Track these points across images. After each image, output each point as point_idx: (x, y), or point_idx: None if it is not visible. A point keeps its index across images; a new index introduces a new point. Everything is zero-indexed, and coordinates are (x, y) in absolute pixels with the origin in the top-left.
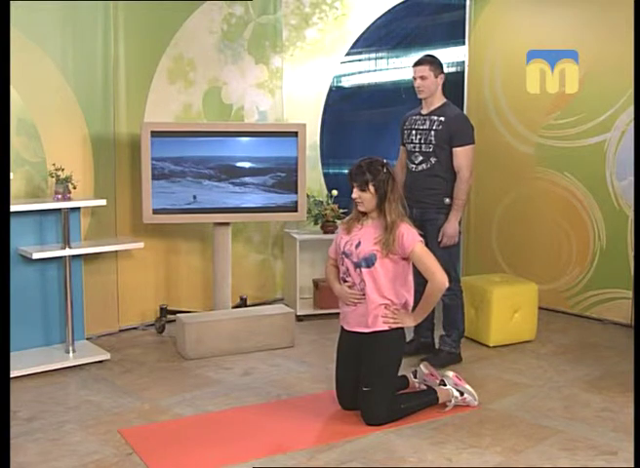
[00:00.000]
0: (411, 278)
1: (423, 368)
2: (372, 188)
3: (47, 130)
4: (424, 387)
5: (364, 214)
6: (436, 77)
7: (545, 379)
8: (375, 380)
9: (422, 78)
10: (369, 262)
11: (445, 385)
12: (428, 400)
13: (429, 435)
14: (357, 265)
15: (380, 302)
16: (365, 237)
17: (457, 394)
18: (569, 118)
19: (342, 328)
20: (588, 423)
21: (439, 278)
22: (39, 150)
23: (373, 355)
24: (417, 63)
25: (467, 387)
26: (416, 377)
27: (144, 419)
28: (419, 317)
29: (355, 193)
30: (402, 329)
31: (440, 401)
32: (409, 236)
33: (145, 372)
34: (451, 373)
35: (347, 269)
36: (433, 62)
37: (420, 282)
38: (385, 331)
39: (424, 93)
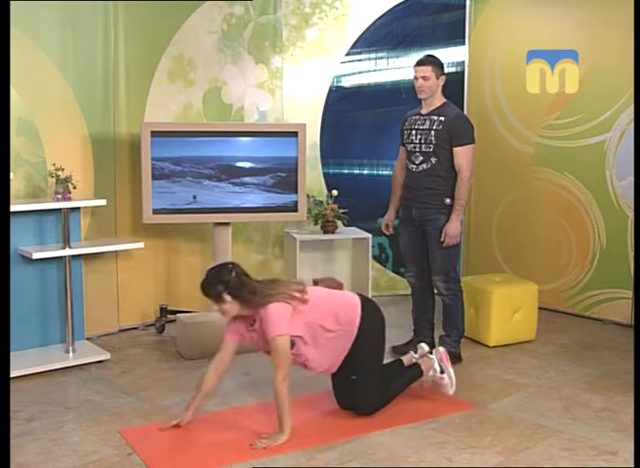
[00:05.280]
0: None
1: (424, 346)
2: (228, 297)
3: (47, 130)
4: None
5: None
6: (437, 78)
7: (545, 379)
8: (361, 368)
9: (425, 78)
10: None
11: (431, 355)
12: (413, 374)
13: (429, 435)
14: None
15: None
16: (264, 338)
17: (437, 368)
18: (569, 118)
19: None
20: (588, 423)
21: (278, 377)
22: (39, 150)
23: (355, 350)
24: (419, 63)
25: (450, 371)
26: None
27: (144, 419)
28: (286, 427)
29: (216, 306)
30: (373, 317)
31: (424, 372)
32: (274, 323)
33: (145, 372)
34: (441, 349)
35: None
36: (436, 63)
37: (428, 297)
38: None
39: (425, 93)
